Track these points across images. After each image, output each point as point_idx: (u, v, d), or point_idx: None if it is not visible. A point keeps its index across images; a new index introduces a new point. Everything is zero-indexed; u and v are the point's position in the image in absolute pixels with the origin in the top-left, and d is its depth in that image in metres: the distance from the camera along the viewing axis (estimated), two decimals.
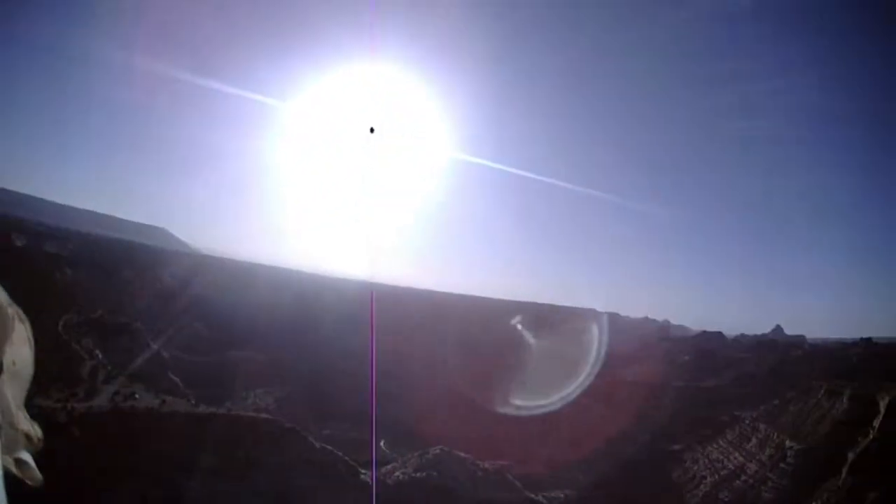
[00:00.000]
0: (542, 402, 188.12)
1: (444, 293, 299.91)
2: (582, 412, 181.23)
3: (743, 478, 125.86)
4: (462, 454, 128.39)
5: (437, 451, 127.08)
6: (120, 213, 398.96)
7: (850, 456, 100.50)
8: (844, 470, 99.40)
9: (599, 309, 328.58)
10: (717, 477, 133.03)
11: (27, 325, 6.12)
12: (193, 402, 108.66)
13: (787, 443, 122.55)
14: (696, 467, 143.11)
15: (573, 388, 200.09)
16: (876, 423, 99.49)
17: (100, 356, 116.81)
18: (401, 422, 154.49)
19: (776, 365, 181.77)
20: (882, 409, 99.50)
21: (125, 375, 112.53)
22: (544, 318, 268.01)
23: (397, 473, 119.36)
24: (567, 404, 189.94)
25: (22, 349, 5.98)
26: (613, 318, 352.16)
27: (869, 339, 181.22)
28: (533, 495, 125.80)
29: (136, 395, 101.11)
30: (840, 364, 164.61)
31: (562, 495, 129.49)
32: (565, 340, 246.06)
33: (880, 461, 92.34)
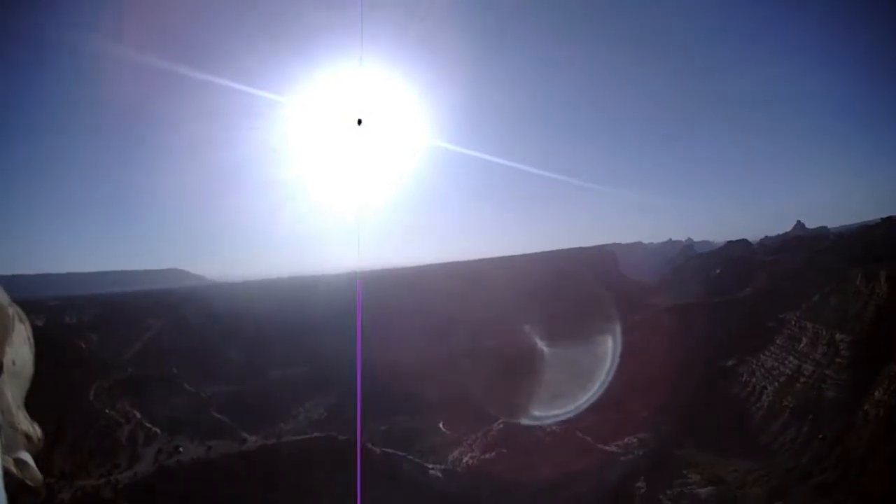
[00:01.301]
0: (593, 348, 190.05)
1: (459, 262, 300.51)
2: (629, 351, 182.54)
3: (802, 380, 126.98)
4: (525, 422, 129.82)
5: (500, 425, 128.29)
6: (131, 266, 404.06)
7: None
8: None
9: (623, 242, 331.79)
10: (776, 384, 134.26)
11: (27, 325, 6.26)
12: (242, 437, 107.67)
13: (837, 336, 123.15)
14: (753, 379, 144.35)
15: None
16: None
17: (138, 416, 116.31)
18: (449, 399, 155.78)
19: (806, 260, 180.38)
20: None
21: (166, 430, 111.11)
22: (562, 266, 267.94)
23: (466, 458, 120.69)
24: (614, 344, 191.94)
25: (22, 349, 6.11)
26: (636, 247, 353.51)
27: (889, 218, 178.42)
28: (606, 446, 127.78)
29: (181, 448, 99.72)
30: (868, 247, 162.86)
31: (634, 440, 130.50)
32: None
33: None
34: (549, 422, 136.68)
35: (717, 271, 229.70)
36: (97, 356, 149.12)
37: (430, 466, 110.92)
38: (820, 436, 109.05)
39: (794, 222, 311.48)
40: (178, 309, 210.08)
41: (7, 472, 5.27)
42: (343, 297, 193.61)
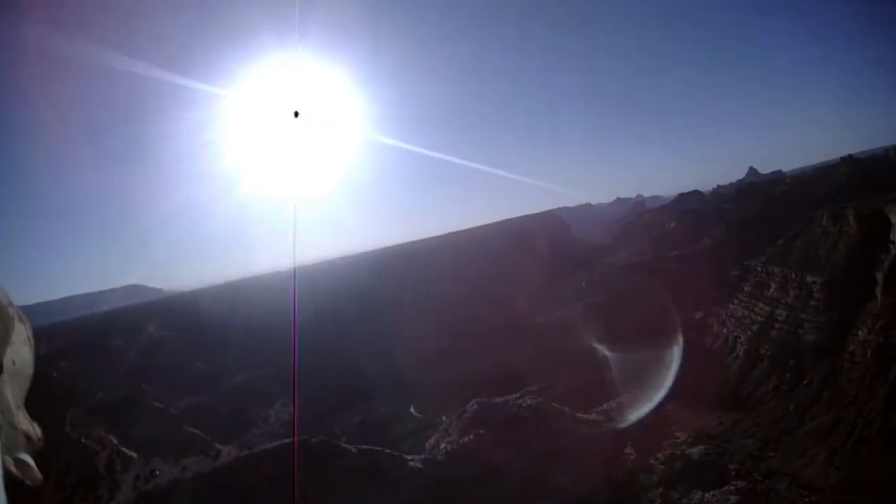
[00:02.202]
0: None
1: (407, 243, 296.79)
2: (591, 313, 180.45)
3: (777, 326, 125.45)
4: (498, 399, 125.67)
5: (474, 406, 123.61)
6: (92, 288, 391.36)
7: (879, 276, 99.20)
8: (878, 291, 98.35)
9: (571, 206, 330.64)
10: (749, 333, 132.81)
11: (27, 324, 6.18)
12: (217, 450, 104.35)
13: (808, 278, 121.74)
14: (725, 330, 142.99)
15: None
16: (893, 236, 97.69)
17: (114, 441, 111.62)
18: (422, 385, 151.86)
19: (765, 205, 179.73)
20: (895, 220, 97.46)
21: (142, 452, 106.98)
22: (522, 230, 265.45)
23: (443, 444, 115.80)
24: (575, 308, 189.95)
25: (22, 349, 6.02)
26: (585, 208, 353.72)
27: (850, 157, 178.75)
28: (587, 415, 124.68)
29: (157, 472, 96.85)
30: (830, 187, 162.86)
31: (614, 404, 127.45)
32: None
33: None
34: (523, 397, 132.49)
35: (672, 224, 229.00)
36: (69, 384, 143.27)
37: (410, 458, 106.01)
38: (805, 381, 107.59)
39: (747, 169, 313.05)
40: (140, 326, 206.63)
41: (7, 472, 5.31)
42: (301, 292, 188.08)
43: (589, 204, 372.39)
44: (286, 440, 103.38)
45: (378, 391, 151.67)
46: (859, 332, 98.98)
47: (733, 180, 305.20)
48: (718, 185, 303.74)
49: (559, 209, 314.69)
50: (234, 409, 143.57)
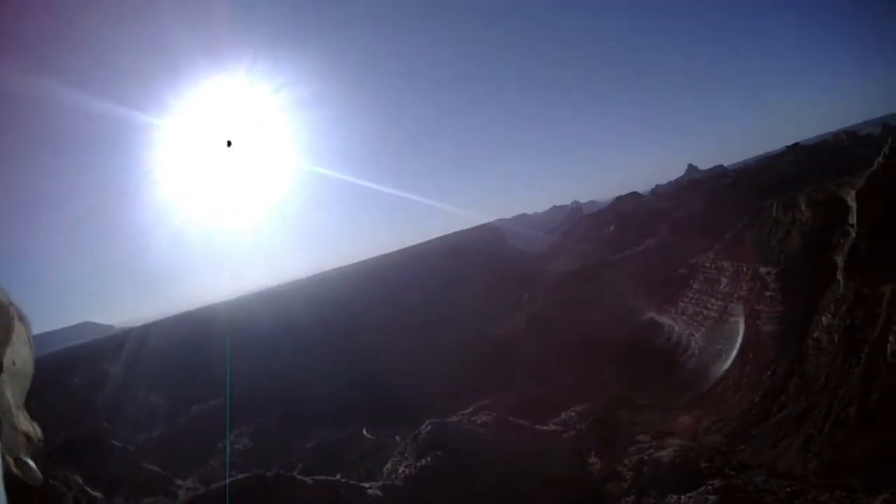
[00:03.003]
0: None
1: (347, 265, 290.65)
2: (537, 322, 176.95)
3: (731, 320, 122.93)
4: (452, 418, 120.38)
5: (428, 427, 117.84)
6: (46, 328, 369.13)
7: (839, 260, 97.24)
8: (840, 275, 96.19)
9: (507, 217, 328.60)
10: (703, 329, 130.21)
11: (27, 324, 6.24)
12: (175, 487, 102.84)
13: (762, 269, 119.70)
14: (677, 328, 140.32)
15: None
16: (852, 219, 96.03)
17: (79, 481, 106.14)
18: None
19: (709, 200, 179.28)
20: (853, 203, 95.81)
21: (104, 492, 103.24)
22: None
23: (401, 468, 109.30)
24: (517, 321, 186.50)
25: (22, 349, 6.07)
26: (521, 219, 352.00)
27: (796, 144, 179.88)
28: (545, 427, 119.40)
29: None
30: (776, 177, 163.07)
31: (573, 414, 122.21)
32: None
33: (877, 255, 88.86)
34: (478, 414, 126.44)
35: (612, 228, 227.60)
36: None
37: (368, 486, 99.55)
38: (769, 372, 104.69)
39: (686, 166, 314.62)
40: (96, 363, 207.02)
41: (7, 472, 5.33)
42: (245, 321, 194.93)
43: (525, 214, 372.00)
44: (243, 475, 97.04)
45: (328, 415, 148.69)
46: (823, 318, 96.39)
47: (672, 179, 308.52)
48: (657, 185, 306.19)
49: (495, 221, 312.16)
50: (190, 442, 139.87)
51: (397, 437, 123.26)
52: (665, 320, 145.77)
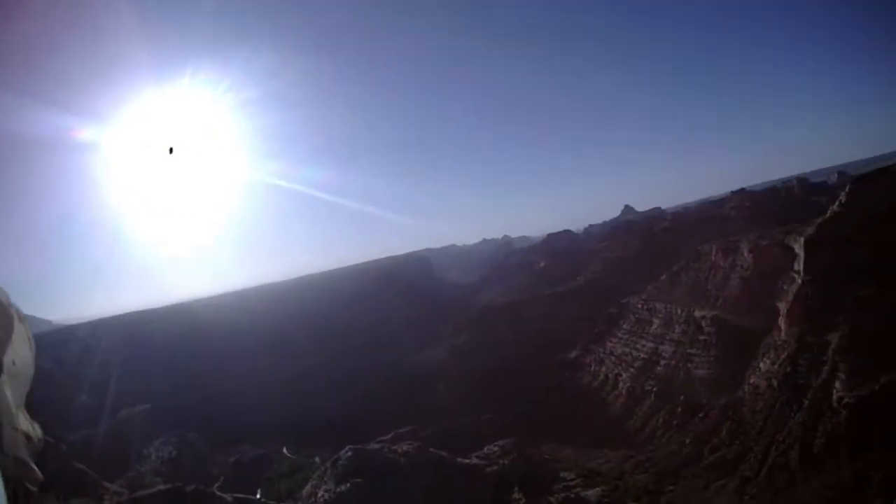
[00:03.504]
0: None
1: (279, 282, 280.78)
2: (460, 355, 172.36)
3: (663, 362, 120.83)
4: (373, 445, 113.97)
5: (349, 453, 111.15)
6: None
7: (782, 306, 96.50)
8: (782, 322, 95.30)
9: (436, 247, 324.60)
10: (632, 370, 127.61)
11: (27, 325, 6.43)
12: (102, 490, 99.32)
13: (697, 313, 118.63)
14: (604, 368, 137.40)
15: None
16: (799, 266, 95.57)
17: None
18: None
19: (644, 242, 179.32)
20: (801, 250, 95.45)
21: (38, 488, 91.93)
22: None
23: (321, 493, 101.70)
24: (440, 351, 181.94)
25: (22, 349, 6.17)
26: (450, 249, 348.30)
27: (742, 190, 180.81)
28: (467, 460, 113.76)
29: None
30: (717, 222, 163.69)
31: (495, 448, 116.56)
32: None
33: (823, 303, 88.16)
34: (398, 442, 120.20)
35: (542, 264, 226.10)
36: None
37: None
38: (700, 415, 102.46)
39: (622, 207, 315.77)
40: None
41: (7, 473, 5.29)
42: (176, 330, 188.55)
43: (454, 245, 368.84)
44: (159, 488, 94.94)
45: (249, 430, 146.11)
46: (761, 364, 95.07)
47: (607, 219, 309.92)
48: (591, 224, 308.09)
49: (424, 250, 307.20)
50: (117, 446, 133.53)
51: (317, 459, 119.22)
52: (592, 359, 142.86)
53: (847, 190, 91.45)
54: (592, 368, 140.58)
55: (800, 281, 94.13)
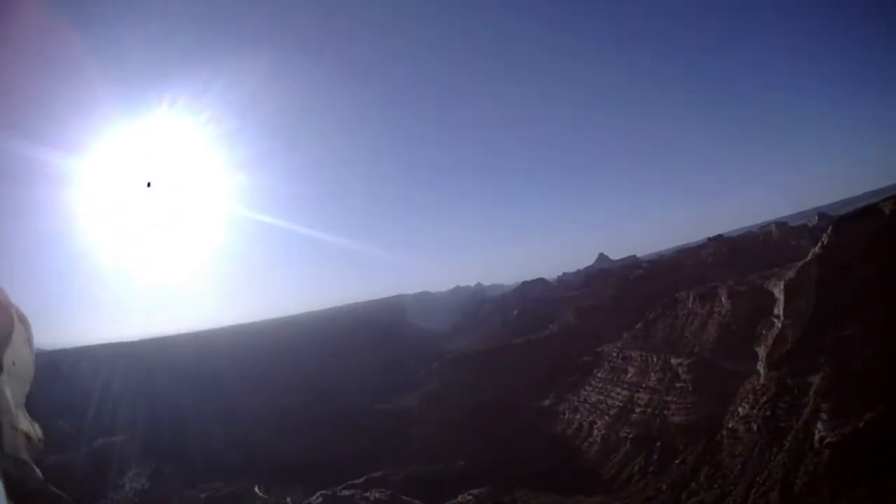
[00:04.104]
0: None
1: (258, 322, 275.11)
2: (432, 402, 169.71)
3: (638, 410, 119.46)
4: (344, 491, 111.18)
5: (319, 499, 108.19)
6: None
7: (761, 351, 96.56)
8: (761, 366, 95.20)
9: (410, 293, 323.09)
10: (607, 418, 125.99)
11: (27, 325, 6.87)
12: None
13: (673, 361, 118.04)
14: (578, 416, 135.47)
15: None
16: (779, 311, 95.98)
17: None
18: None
19: (619, 291, 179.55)
20: (780, 294, 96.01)
21: None
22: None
23: None
24: (411, 398, 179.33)
25: (22, 349, 6.85)
26: (423, 296, 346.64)
27: (719, 236, 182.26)
28: None
29: None
30: (694, 270, 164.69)
31: (470, 497, 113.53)
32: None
33: (806, 344, 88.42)
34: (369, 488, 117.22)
35: (515, 312, 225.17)
36: None
37: None
38: (677, 461, 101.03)
39: (597, 255, 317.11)
40: None
41: (7, 472, 5.95)
42: (153, 363, 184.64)
43: (428, 292, 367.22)
44: None
45: (221, 467, 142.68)
46: (739, 409, 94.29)
47: (581, 267, 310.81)
48: (564, 273, 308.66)
49: (397, 296, 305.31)
50: (93, 473, 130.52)
51: (288, 500, 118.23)
52: (566, 406, 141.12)
53: (829, 231, 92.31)
54: (566, 416, 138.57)
55: (779, 325, 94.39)
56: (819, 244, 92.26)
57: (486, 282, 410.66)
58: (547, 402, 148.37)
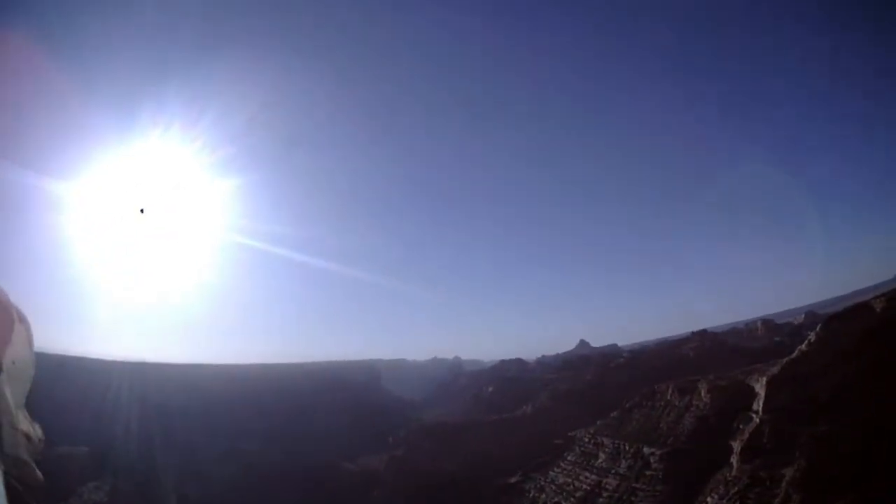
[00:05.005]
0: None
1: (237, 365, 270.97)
2: (398, 468, 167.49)
3: (605, 495, 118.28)
4: None
5: None
6: None
7: (736, 445, 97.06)
8: (734, 459, 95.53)
9: (386, 358, 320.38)
10: (572, 500, 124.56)
11: (27, 325, 6.86)
12: None
13: (646, 450, 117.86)
14: (543, 496, 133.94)
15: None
16: (758, 406, 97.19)
17: None
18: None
19: (598, 378, 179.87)
20: (762, 390, 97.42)
21: None
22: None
23: None
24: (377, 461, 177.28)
25: (22, 349, 6.87)
26: (400, 363, 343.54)
27: (704, 331, 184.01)
28: None
29: None
30: (677, 362, 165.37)
31: None
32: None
33: (783, 438, 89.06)
34: None
35: (490, 389, 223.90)
36: None
37: None
38: None
39: (577, 341, 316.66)
40: None
41: (7, 472, 5.98)
42: (122, 384, 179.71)
43: (405, 359, 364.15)
44: None
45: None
46: (709, 499, 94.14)
47: (561, 351, 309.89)
48: (544, 355, 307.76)
49: (374, 360, 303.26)
50: (53, 479, 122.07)
51: None
52: (532, 486, 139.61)
53: (818, 329, 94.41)
54: (532, 494, 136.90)
55: (757, 420, 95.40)
56: (806, 341, 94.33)
57: (465, 356, 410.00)
58: (513, 480, 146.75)
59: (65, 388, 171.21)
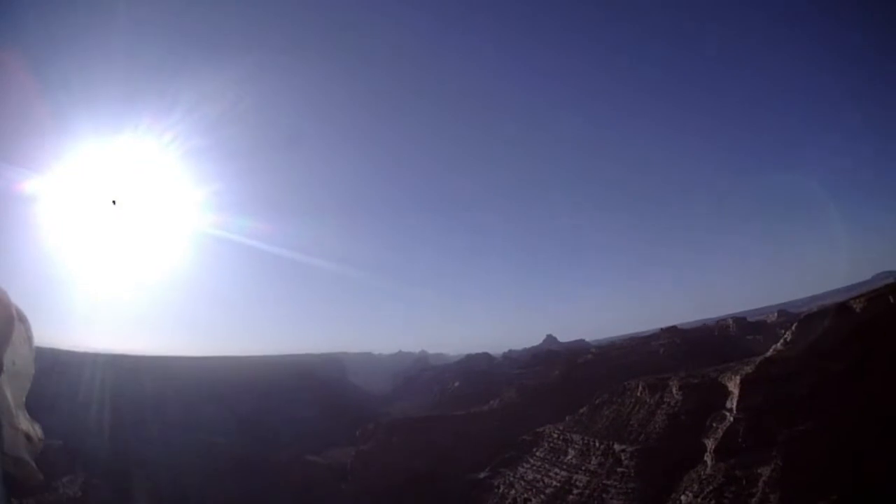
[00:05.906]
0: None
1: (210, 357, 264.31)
2: (364, 463, 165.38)
3: (576, 491, 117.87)
4: None
5: None
6: None
7: (710, 443, 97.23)
8: (708, 457, 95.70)
9: (352, 352, 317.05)
10: (542, 497, 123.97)
11: (27, 324, 7.90)
12: None
13: (616, 447, 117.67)
14: (512, 492, 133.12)
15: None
16: (731, 404, 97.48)
17: None
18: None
19: (566, 373, 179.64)
20: (735, 388, 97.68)
21: None
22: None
23: None
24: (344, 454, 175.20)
25: (22, 349, 8.27)
26: (366, 356, 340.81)
27: (674, 327, 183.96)
28: None
29: None
30: (646, 358, 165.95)
31: None
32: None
33: (758, 437, 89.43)
34: None
35: (456, 384, 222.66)
36: None
37: None
38: None
39: (545, 336, 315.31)
40: None
41: (7, 473, 7.62)
42: (94, 376, 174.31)
43: (371, 353, 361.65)
44: None
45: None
46: (682, 497, 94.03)
47: (528, 346, 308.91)
48: (511, 350, 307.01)
49: (340, 353, 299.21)
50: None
51: None
52: (501, 481, 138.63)
53: (794, 328, 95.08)
54: (500, 490, 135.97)
55: (731, 418, 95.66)
56: (782, 340, 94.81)
57: (431, 350, 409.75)
58: (482, 476, 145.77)
59: (38, 380, 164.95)
